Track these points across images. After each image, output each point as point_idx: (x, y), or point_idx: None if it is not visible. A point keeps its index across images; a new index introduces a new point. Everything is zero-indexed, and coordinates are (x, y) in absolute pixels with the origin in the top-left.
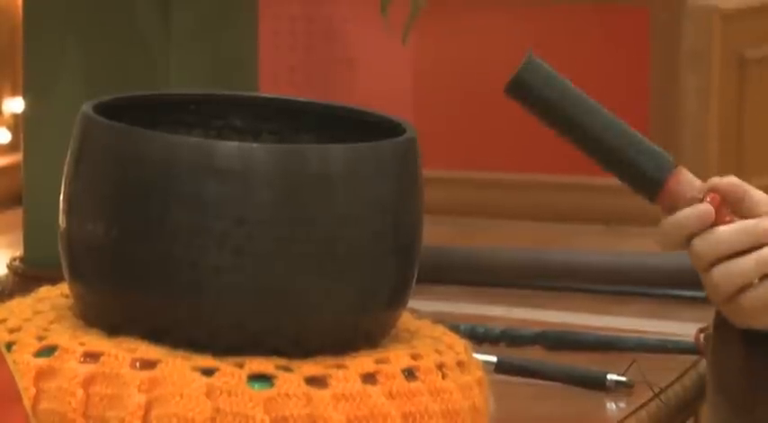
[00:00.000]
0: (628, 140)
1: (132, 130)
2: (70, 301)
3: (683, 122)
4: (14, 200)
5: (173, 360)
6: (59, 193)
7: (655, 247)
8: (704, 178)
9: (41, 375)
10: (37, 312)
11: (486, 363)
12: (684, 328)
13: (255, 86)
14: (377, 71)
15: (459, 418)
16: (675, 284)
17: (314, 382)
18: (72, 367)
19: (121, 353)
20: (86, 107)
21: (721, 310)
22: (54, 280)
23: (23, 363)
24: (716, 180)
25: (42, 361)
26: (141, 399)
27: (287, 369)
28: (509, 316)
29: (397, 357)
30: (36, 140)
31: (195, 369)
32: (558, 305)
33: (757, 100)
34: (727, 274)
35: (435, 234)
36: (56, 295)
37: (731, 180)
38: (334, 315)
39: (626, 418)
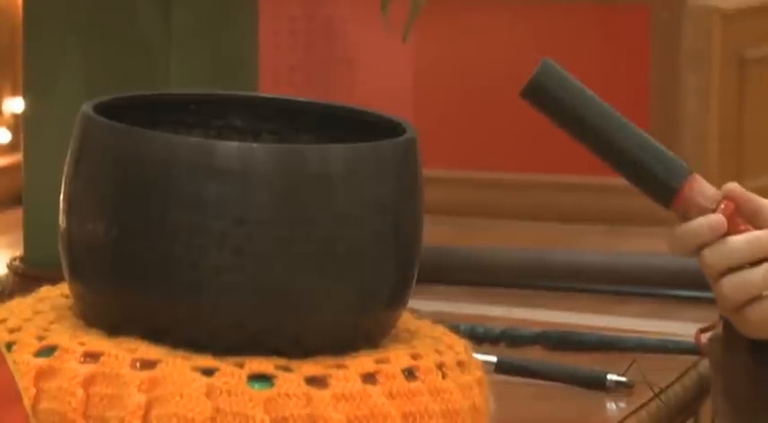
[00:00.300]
0: (643, 145)
1: (132, 130)
2: (70, 301)
3: (683, 122)
4: (14, 200)
5: (173, 360)
6: (59, 193)
7: (655, 247)
8: (705, 177)
9: (41, 375)
10: (37, 312)
11: (486, 363)
12: (685, 328)
13: (255, 86)
14: (377, 71)
15: (459, 418)
16: (676, 285)
17: (314, 382)
18: (72, 367)
19: (121, 353)
20: (86, 107)
21: (732, 320)
22: (54, 280)
23: (23, 363)
24: (731, 186)
25: (42, 361)
26: (141, 399)
27: (287, 369)
28: (509, 316)
29: (398, 357)
30: (36, 140)
31: (195, 369)
32: (558, 305)
33: (757, 100)
34: (736, 285)
35: (435, 234)
36: (56, 295)
37: (745, 191)
38: (334, 315)
39: (626, 418)
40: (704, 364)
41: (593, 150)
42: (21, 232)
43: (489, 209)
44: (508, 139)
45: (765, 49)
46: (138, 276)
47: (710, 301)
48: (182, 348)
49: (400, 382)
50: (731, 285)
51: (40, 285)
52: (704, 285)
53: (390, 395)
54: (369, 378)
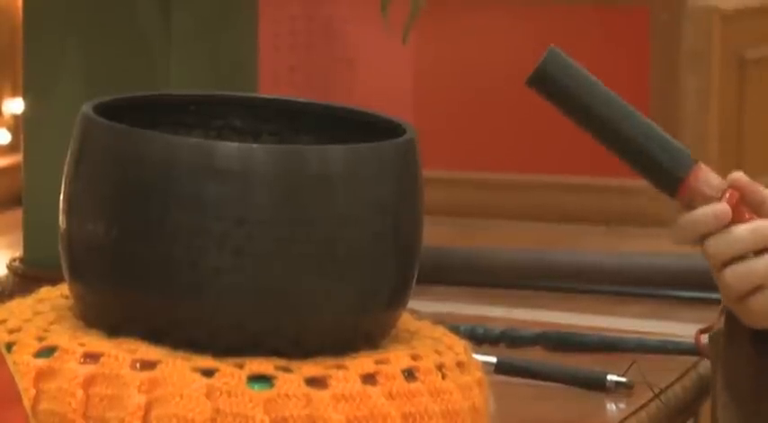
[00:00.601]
0: (648, 134)
1: (132, 131)
2: (70, 301)
3: (683, 123)
4: (14, 200)
5: (173, 361)
6: (59, 194)
7: (655, 247)
8: None
9: (41, 376)
10: (37, 313)
11: (486, 363)
12: (685, 328)
13: (255, 87)
14: (377, 71)
15: (459, 419)
16: (676, 285)
17: (314, 382)
18: (72, 368)
19: (121, 353)
20: (86, 108)
21: (732, 310)
22: (54, 280)
23: (23, 363)
24: (736, 176)
25: (42, 362)
26: (141, 399)
27: (287, 370)
28: (509, 317)
29: (397, 358)
30: (36, 141)
31: (195, 370)
32: (558, 306)
33: (757, 100)
34: (740, 275)
35: (435, 234)
36: (56, 296)
37: (751, 181)
38: (334, 315)
39: (626, 418)
40: (704, 365)
41: (598, 139)
42: (20, 233)
43: (489, 209)
44: (508, 139)
45: (765, 49)
46: (138, 277)
47: (710, 302)
48: (182, 349)
49: (400, 383)
50: (734, 275)
51: (40, 286)
52: (705, 286)
53: (390, 396)
54: (368, 379)
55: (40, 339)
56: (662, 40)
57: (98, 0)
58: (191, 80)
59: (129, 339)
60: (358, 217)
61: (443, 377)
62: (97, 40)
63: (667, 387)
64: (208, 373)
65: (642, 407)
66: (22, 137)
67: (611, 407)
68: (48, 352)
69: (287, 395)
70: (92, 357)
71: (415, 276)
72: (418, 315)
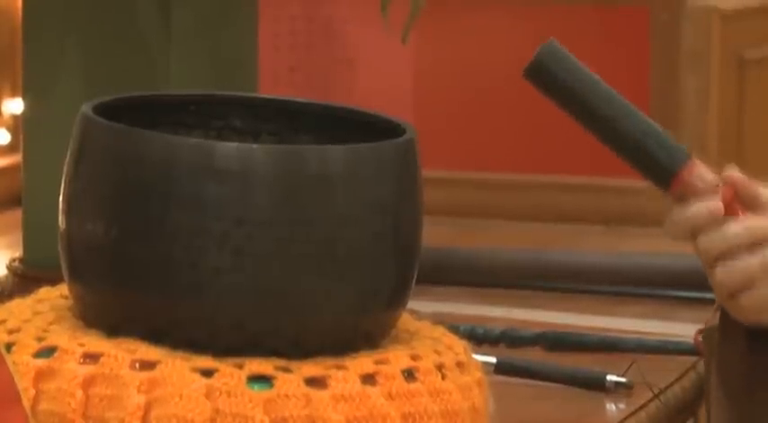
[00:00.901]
0: (644, 128)
1: (132, 131)
2: (70, 301)
3: (683, 122)
4: (14, 201)
5: (172, 361)
6: (59, 194)
7: (654, 247)
8: None
9: (41, 376)
10: (36, 313)
11: (486, 364)
12: (684, 329)
13: (255, 87)
14: (377, 71)
15: (459, 419)
16: (675, 285)
17: (313, 382)
18: (71, 368)
19: (121, 354)
20: (86, 108)
21: (725, 307)
22: (53, 281)
23: (23, 364)
24: (730, 172)
25: (42, 362)
26: (141, 399)
27: (286, 370)
28: (509, 317)
29: (397, 358)
30: (36, 141)
31: (195, 370)
32: (557, 306)
33: (757, 100)
34: (731, 272)
35: (435, 235)
36: (55, 296)
37: (745, 177)
38: (333, 316)
39: (626, 419)
40: (703, 365)
41: (593, 132)
42: (20, 233)
43: (489, 209)
44: (508, 139)
45: (764, 49)
46: (138, 277)
47: (710, 302)
48: (181, 349)
49: (400, 383)
50: (726, 272)
51: (40, 286)
52: (704, 286)
53: (390, 396)
54: (368, 379)
55: (40, 340)
56: (662, 40)
57: (97, 0)
58: (190, 80)
59: (129, 339)
60: (358, 217)
61: (443, 377)
62: (97, 40)
63: (667, 387)
64: (207, 373)
65: (642, 407)
66: (21, 137)
67: (610, 407)
68: (47, 352)
69: (286, 395)
70: (91, 357)
71: (415, 276)
72: (418, 315)
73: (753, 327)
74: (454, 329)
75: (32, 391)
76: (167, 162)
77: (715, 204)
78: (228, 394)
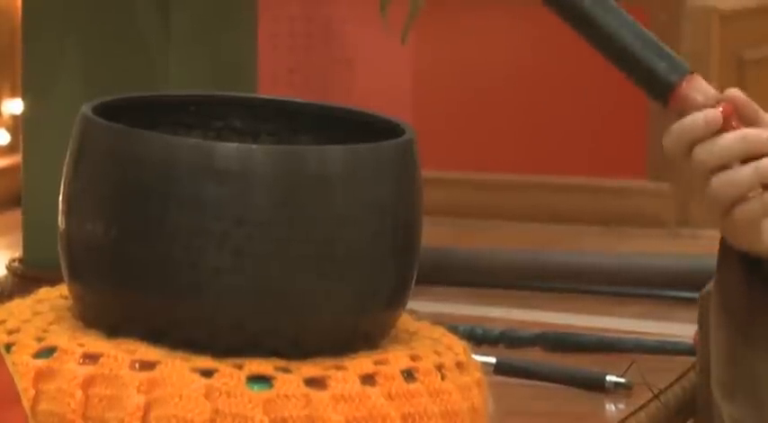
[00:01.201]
0: (646, 42)
1: (131, 132)
2: (69, 302)
3: None
4: (14, 201)
5: (172, 361)
6: (59, 195)
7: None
8: None
9: (40, 376)
10: (36, 313)
11: (485, 364)
12: (684, 329)
13: (254, 87)
14: (376, 72)
15: (459, 419)
16: (674, 286)
17: (313, 383)
18: (71, 368)
19: (121, 354)
20: (85, 108)
21: (720, 229)
22: (53, 281)
23: (23, 364)
24: (732, 90)
25: (41, 362)
26: (140, 400)
27: (286, 370)
28: (508, 317)
29: (397, 358)
30: (35, 141)
31: (194, 370)
32: (557, 306)
33: (756, 100)
34: (724, 182)
35: (435, 235)
36: (55, 296)
37: (746, 97)
38: (333, 316)
39: (625, 419)
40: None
41: (594, 44)
42: (20, 233)
43: (488, 210)
44: (507, 140)
45: (764, 50)
46: (138, 277)
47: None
48: (181, 349)
49: (399, 384)
50: (719, 183)
51: (40, 286)
52: (703, 286)
53: (389, 396)
54: (368, 379)
55: (40, 340)
56: (661, 40)
57: (97, 0)
58: (190, 80)
59: (129, 340)
60: (357, 217)
61: (443, 378)
62: (97, 41)
63: (666, 387)
64: (207, 373)
65: (641, 407)
66: (21, 137)
67: (610, 407)
68: (47, 352)
69: (286, 396)
70: (91, 358)
71: (415, 277)
72: (417, 315)
73: (747, 258)
74: (453, 330)
75: (32, 392)
76: (167, 162)
77: (713, 114)
78: (228, 394)
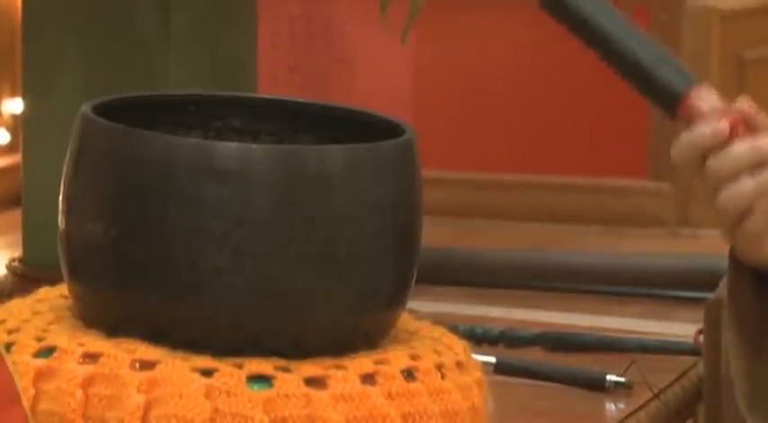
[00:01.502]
0: (652, 54)
1: (131, 131)
2: (69, 301)
3: None
4: (14, 201)
5: (172, 361)
6: (58, 194)
7: (652, 247)
8: None
9: (40, 376)
10: (36, 313)
11: (486, 363)
12: (684, 329)
13: (254, 87)
14: (376, 71)
15: (459, 419)
16: (675, 285)
17: (313, 382)
18: (71, 368)
19: (121, 353)
20: (85, 108)
21: (730, 243)
22: (53, 281)
23: (23, 363)
24: (742, 103)
25: (41, 362)
26: (140, 399)
27: (286, 370)
28: (508, 317)
29: (397, 358)
30: (35, 141)
31: (194, 370)
32: (557, 306)
33: (756, 100)
34: (730, 196)
35: (435, 235)
36: (55, 296)
37: (755, 107)
38: (333, 316)
39: (625, 418)
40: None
41: (603, 56)
42: (20, 233)
43: (488, 209)
44: (507, 139)
45: (764, 49)
46: (138, 277)
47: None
48: (181, 349)
49: (399, 383)
50: (725, 196)
51: (39, 286)
52: (703, 286)
53: (389, 396)
54: (368, 379)
55: (39, 339)
56: (661, 39)
57: (97, 0)
58: (190, 80)
59: (129, 339)
60: (357, 217)
61: (443, 377)
62: (97, 40)
63: (666, 387)
64: (207, 373)
65: (641, 407)
66: (21, 137)
67: (610, 407)
68: (47, 352)
69: (286, 395)
70: (91, 357)
71: (415, 276)
72: (417, 315)
73: (758, 273)
74: (454, 329)
75: (32, 391)
76: (167, 162)
77: (720, 126)
78: (228, 394)
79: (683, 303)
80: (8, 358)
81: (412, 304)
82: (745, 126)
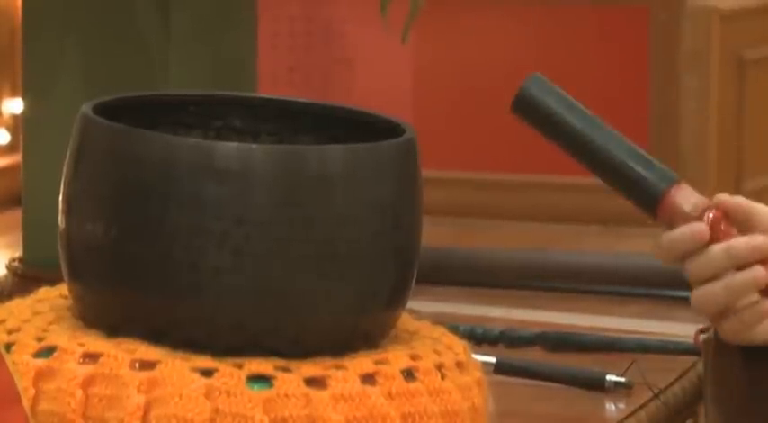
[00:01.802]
0: (630, 154)
1: (131, 131)
2: (69, 301)
3: (683, 122)
4: (14, 201)
5: (172, 361)
6: (59, 194)
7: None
8: (704, 177)
9: (41, 376)
10: (36, 313)
11: (486, 363)
12: (684, 328)
13: (254, 87)
14: (376, 71)
15: (459, 419)
16: (675, 285)
17: (313, 382)
18: (71, 368)
19: (121, 353)
20: (86, 108)
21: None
22: (53, 281)
23: (23, 363)
24: (720, 196)
25: (41, 362)
26: (140, 399)
27: (286, 370)
28: (508, 317)
29: (397, 358)
30: (35, 141)
31: (194, 370)
32: (557, 306)
33: (756, 100)
34: (704, 297)
35: (435, 234)
36: (55, 296)
37: (737, 199)
38: (333, 315)
39: (625, 418)
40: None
41: (580, 159)
42: (20, 233)
43: (488, 209)
44: (507, 139)
45: (764, 49)
46: (138, 277)
47: None
48: (181, 349)
49: (399, 383)
50: (700, 298)
51: (40, 286)
52: None
53: (389, 396)
54: (368, 379)
55: (40, 339)
56: (661, 39)
57: (97, 0)
58: (190, 80)
59: (129, 339)
60: (357, 217)
61: (443, 377)
62: (97, 41)
63: (667, 387)
64: (207, 373)
65: (641, 407)
66: (21, 137)
67: (610, 407)
68: (47, 352)
69: (286, 395)
70: (91, 357)
71: (415, 276)
72: (417, 315)
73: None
74: (454, 329)
75: (32, 391)
76: (167, 162)
77: (698, 228)
78: (228, 394)
79: (683, 303)
80: (8, 358)
81: (412, 304)
82: (726, 222)
